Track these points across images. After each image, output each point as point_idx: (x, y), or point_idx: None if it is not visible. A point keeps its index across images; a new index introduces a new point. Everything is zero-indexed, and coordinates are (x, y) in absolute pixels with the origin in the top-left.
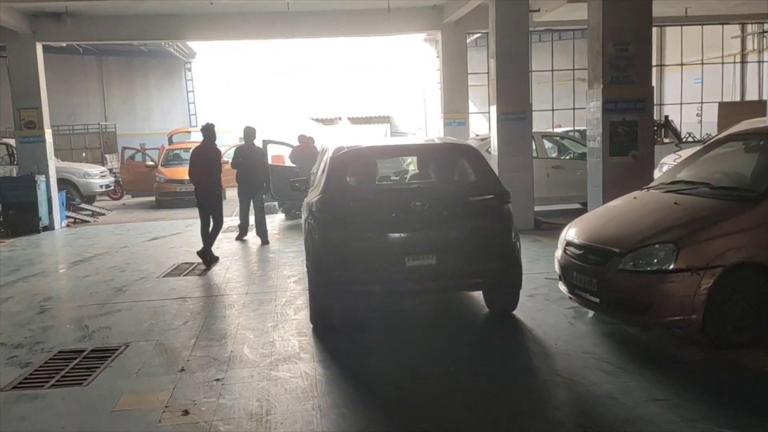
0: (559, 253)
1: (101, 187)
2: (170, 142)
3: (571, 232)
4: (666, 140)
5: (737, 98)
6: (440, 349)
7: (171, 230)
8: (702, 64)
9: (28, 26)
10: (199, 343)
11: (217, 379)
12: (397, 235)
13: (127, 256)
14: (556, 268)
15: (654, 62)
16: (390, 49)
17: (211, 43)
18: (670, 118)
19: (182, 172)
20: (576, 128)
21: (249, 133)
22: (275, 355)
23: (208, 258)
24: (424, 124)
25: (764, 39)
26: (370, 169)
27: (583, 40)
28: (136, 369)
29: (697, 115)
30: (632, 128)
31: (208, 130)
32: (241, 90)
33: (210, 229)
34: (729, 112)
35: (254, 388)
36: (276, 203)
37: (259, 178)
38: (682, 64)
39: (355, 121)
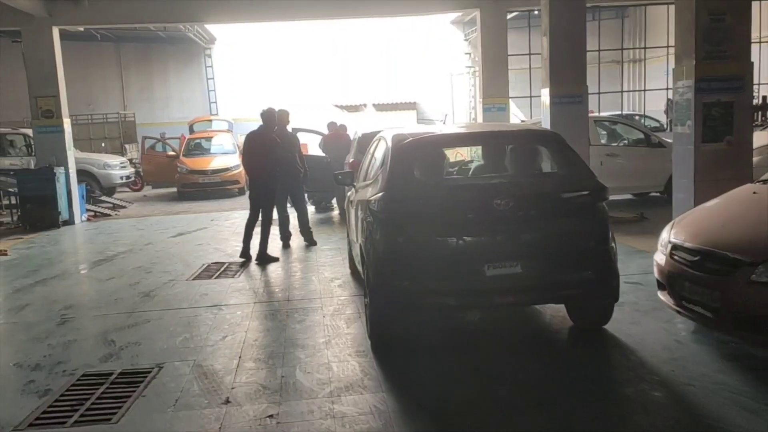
0: (660, 257)
1: (122, 178)
2: (191, 131)
3: (677, 233)
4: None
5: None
6: (526, 375)
7: (196, 225)
8: None
9: (44, 9)
10: (243, 365)
11: (271, 416)
12: (475, 239)
13: (152, 255)
14: (656, 274)
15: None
16: (416, 34)
17: (231, 27)
18: None
19: (205, 162)
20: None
21: (282, 118)
22: (334, 381)
23: (267, 259)
24: (451, 111)
25: None
26: (439, 161)
27: (611, 21)
28: (173, 400)
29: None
30: (728, 110)
31: (268, 116)
32: (263, 77)
33: (256, 224)
34: None
35: (317, 429)
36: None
37: (297, 169)
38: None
39: (380, 107)
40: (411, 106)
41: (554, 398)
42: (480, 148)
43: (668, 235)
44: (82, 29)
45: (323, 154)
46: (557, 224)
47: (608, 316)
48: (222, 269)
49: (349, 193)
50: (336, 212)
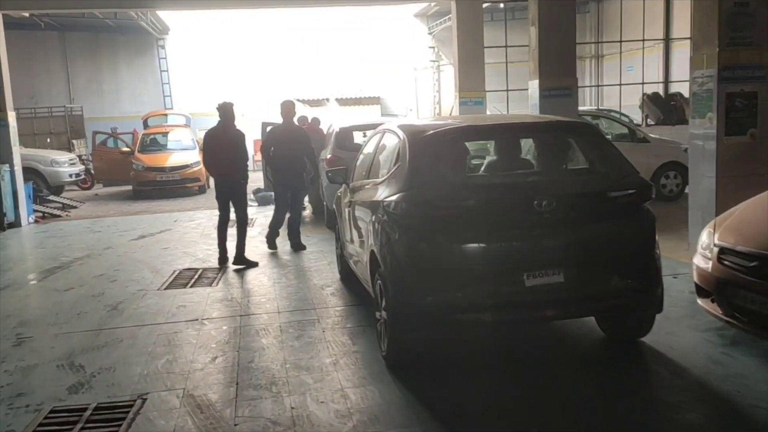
0: (703, 261)
1: (71, 176)
2: (145, 126)
3: (724, 236)
4: None
5: None
6: (569, 399)
7: (158, 226)
8: None
9: None
10: (243, 394)
11: None
12: (512, 244)
13: (114, 261)
14: (696, 279)
15: None
16: (379, 27)
17: (186, 15)
18: None
19: (162, 159)
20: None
21: (287, 109)
22: (355, 413)
23: (245, 262)
24: (415, 106)
25: None
26: (464, 156)
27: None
28: None
29: None
30: (751, 101)
31: (226, 110)
32: (220, 70)
33: (229, 225)
34: None
35: None
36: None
37: (302, 166)
38: None
39: (343, 102)
40: (375, 100)
41: (607, 429)
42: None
43: (711, 237)
44: (26, 15)
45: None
46: (602, 227)
47: (648, 327)
48: (196, 276)
49: (339, 192)
50: (307, 211)
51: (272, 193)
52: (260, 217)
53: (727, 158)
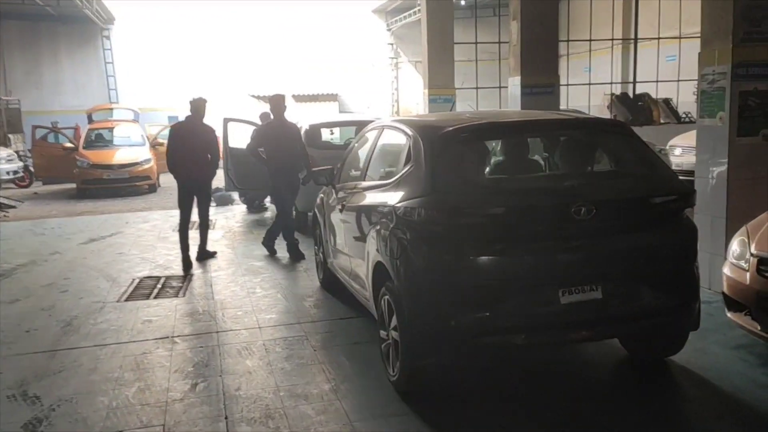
0: (735, 272)
1: (8, 173)
2: (90, 120)
3: (763, 245)
4: (662, 121)
5: None
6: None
7: (108, 228)
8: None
9: None
10: (237, 431)
11: None
12: (548, 257)
13: (64, 267)
14: (726, 291)
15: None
16: (337, 22)
17: (133, 4)
18: (671, 101)
19: (109, 156)
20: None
21: (278, 104)
22: None
23: (207, 255)
24: (373, 103)
25: None
26: (487, 156)
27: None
28: None
29: (693, 93)
30: (764, 100)
31: (197, 105)
32: (170, 64)
33: (192, 226)
34: None
35: None
36: (234, 193)
37: (300, 167)
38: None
39: (299, 98)
40: (332, 97)
41: None
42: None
43: (745, 246)
44: None
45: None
46: (643, 236)
47: (680, 345)
48: (159, 286)
49: (321, 194)
50: (270, 214)
51: (230, 193)
52: (221, 218)
53: (738, 160)
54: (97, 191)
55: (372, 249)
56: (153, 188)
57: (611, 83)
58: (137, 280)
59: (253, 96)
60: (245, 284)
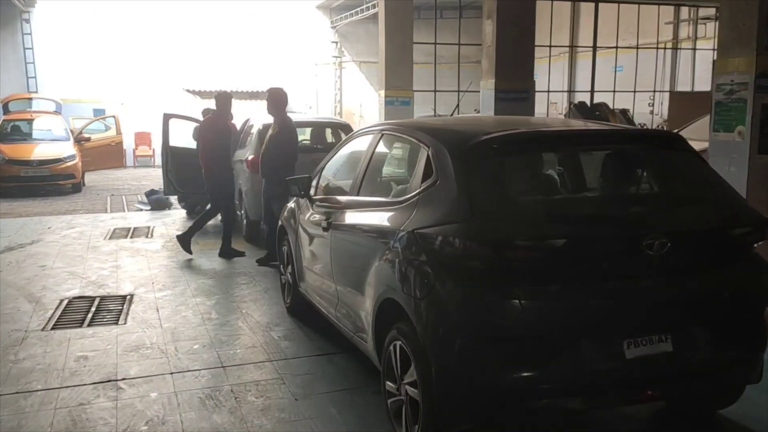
0: None
1: None
2: (6, 111)
3: None
4: None
5: (665, 88)
6: None
7: (28, 234)
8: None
9: None
10: None
11: None
12: (612, 300)
13: None
14: None
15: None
16: (278, 18)
17: None
18: (628, 111)
19: (27, 151)
20: None
21: (280, 99)
22: None
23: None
24: (315, 103)
25: (698, 26)
26: (535, 174)
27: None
28: None
29: (649, 104)
30: None
31: (222, 100)
32: (97, 53)
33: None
34: (681, 102)
35: None
36: (173, 197)
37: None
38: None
39: (238, 96)
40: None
41: None
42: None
43: None
44: None
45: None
46: (717, 275)
47: (736, 396)
48: (93, 309)
49: (291, 204)
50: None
51: (167, 197)
52: (158, 225)
53: (758, 179)
54: (14, 190)
55: (377, 282)
56: (77, 188)
57: (570, 91)
58: (66, 302)
59: (189, 91)
60: (198, 308)
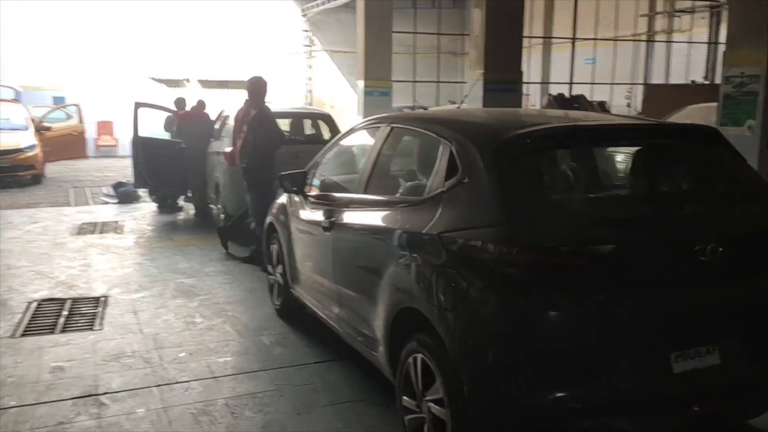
0: None
1: None
2: None
3: None
4: None
5: (639, 80)
6: None
7: None
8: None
9: None
10: None
11: None
12: (659, 310)
13: None
14: None
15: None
16: (248, 4)
17: None
18: (606, 103)
19: None
20: None
21: (259, 87)
22: None
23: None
24: (286, 93)
25: (673, 19)
26: (579, 173)
27: (446, 11)
28: None
29: (626, 97)
30: None
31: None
32: (59, 38)
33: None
34: (656, 94)
35: None
36: (142, 190)
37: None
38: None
39: (207, 84)
40: (242, 84)
41: None
42: None
43: None
44: None
45: (170, 138)
46: (764, 281)
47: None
48: (66, 313)
49: (282, 200)
50: (185, 216)
51: (136, 189)
52: (128, 220)
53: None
54: None
55: (393, 289)
56: (38, 179)
57: (548, 83)
58: (34, 305)
59: (155, 79)
60: (180, 311)
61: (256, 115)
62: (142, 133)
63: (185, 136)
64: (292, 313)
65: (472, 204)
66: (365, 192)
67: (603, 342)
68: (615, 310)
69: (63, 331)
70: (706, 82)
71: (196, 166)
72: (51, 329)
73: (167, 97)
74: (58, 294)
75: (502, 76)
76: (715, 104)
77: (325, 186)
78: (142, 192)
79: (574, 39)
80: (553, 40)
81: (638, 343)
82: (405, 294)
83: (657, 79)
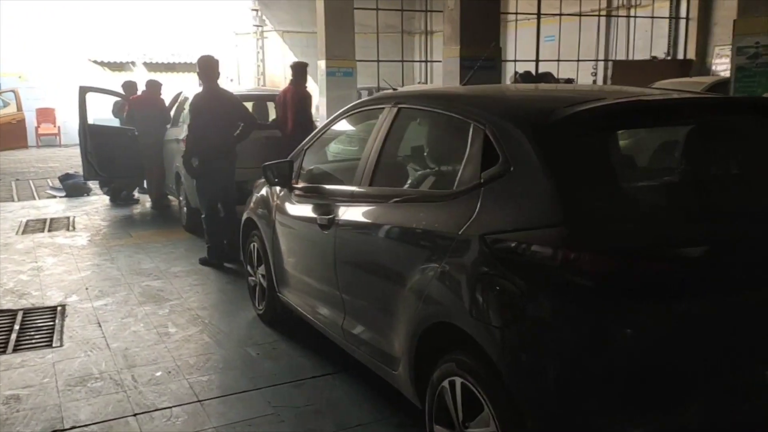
0: None
1: None
2: None
3: None
4: None
5: (603, 57)
6: None
7: None
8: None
9: None
10: None
11: None
12: (753, 320)
13: None
14: None
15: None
16: None
17: None
18: (573, 81)
19: None
20: None
21: (211, 67)
22: None
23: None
24: (236, 75)
25: None
26: (638, 159)
27: None
28: None
29: (592, 74)
30: None
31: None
32: None
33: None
34: (623, 70)
35: None
36: (93, 182)
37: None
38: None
39: (153, 67)
40: (191, 67)
41: None
42: None
43: None
44: None
45: (120, 124)
46: None
47: None
48: (17, 327)
49: (263, 192)
50: (141, 209)
51: (86, 182)
52: (79, 215)
53: None
54: None
55: (420, 300)
56: None
57: (515, 60)
58: None
59: (96, 62)
60: (149, 320)
61: (208, 96)
62: (90, 120)
63: (138, 123)
64: (278, 318)
65: (523, 198)
66: (371, 185)
67: (694, 359)
68: (707, 321)
69: (16, 350)
70: (668, 58)
71: (151, 154)
72: (2, 349)
73: (110, 82)
74: (7, 304)
75: (481, 52)
76: (686, 79)
77: (318, 177)
78: (92, 184)
79: (539, 15)
80: (519, 17)
81: (732, 358)
82: (436, 306)
83: (620, 55)
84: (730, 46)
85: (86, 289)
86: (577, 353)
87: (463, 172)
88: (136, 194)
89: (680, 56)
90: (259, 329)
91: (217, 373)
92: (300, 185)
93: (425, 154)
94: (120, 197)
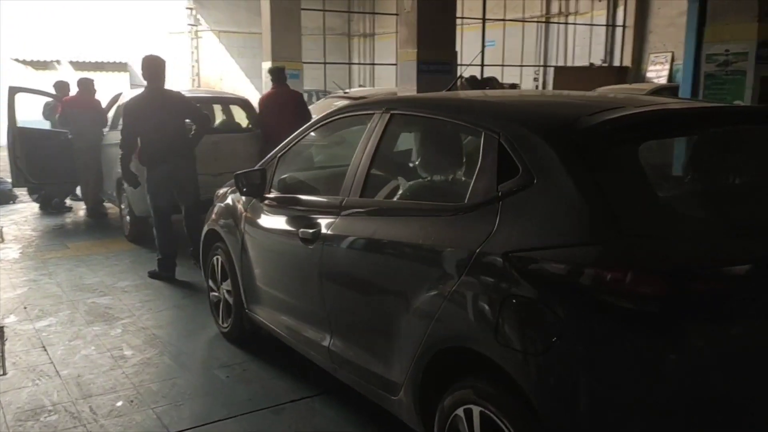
0: None
1: None
2: None
3: None
4: None
5: (543, 62)
6: None
7: None
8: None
9: None
10: None
11: None
12: None
13: None
14: None
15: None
16: None
17: None
18: (518, 86)
19: None
20: None
21: (157, 66)
22: None
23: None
24: (170, 75)
25: (578, 2)
26: (670, 171)
27: None
28: None
29: (535, 79)
30: None
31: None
32: None
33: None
34: (565, 76)
35: None
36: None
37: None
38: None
39: (80, 66)
40: (121, 66)
41: None
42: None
43: None
44: None
45: (52, 127)
46: None
47: None
48: None
49: (228, 201)
50: (75, 217)
51: (11, 189)
52: (6, 224)
53: None
54: None
55: (428, 323)
56: None
57: (461, 65)
58: None
59: (18, 61)
60: (101, 342)
61: (153, 97)
62: (20, 122)
63: (72, 126)
64: (245, 336)
65: (551, 213)
66: (362, 196)
67: (749, 387)
68: (755, 346)
69: None
70: (605, 65)
71: (87, 159)
72: None
73: (34, 81)
74: None
75: (438, 55)
76: (625, 86)
77: (295, 187)
78: (19, 191)
79: (484, 19)
80: (465, 21)
81: None
82: (451, 330)
83: (560, 61)
84: (665, 54)
85: (25, 308)
86: (623, 382)
87: (475, 184)
88: (68, 202)
89: (617, 63)
90: (224, 348)
91: (185, 400)
92: (273, 195)
93: (423, 163)
94: (51, 205)
